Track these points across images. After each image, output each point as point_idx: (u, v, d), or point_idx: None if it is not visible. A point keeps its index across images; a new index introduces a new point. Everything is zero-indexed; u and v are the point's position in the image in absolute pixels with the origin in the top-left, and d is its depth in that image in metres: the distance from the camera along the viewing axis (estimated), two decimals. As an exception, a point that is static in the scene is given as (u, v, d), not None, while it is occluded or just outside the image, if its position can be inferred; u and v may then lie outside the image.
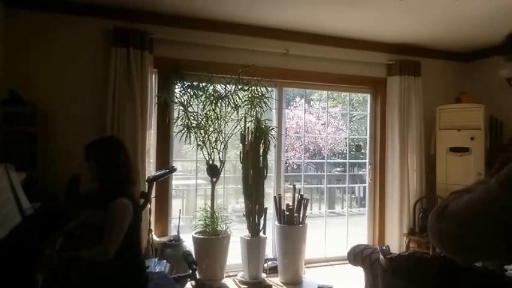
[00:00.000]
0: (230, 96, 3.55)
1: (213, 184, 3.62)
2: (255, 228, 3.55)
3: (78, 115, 3.33)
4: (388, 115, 4.42)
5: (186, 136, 3.48)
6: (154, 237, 3.37)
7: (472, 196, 0.72)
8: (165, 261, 2.87)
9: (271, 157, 4.02)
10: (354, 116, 7.64)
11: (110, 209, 1.93)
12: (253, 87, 3.60)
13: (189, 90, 3.54)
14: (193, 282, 3.01)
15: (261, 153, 3.55)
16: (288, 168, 7.32)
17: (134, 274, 2.05)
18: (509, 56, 0.79)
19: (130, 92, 3.33)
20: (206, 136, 3.53)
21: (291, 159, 7.98)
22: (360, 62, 4.29)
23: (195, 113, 3.54)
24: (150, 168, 3.53)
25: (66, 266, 1.82)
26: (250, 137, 3.54)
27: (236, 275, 3.63)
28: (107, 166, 2.06)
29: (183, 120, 3.49)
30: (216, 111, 3.53)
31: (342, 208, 7.34)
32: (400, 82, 4.33)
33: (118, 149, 2.14)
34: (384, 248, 2.34)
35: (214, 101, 3.51)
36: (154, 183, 3.21)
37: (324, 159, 5.32)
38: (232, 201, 5.61)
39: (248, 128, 3.57)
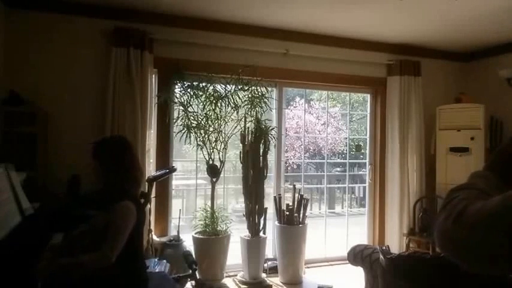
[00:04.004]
0: (230, 96, 3.55)
1: (213, 184, 3.62)
2: (255, 228, 3.55)
3: (78, 115, 3.33)
4: (388, 115, 4.42)
5: (186, 136, 3.48)
6: (154, 237, 3.38)
7: (493, 205, 0.65)
8: (165, 261, 2.87)
9: (271, 157, 4.02)
10: (354, 116, 7.64)
11: (113, 212, 1.88)
12: (253, 87, 3.60)
13: (189, 90, 3.54)
14: (193, 282, 3.01)
15: (261, 153, 3.55)
16: (288, 168, 7.31)
17: (134, 276, 2.03)
18: None
19: (130, 92, 3.33)
20: (206, 136, 3.53)
21: (291, 159, 7.98)
22: (360, 62, 4.29)
23: (195, 113, 3.54)
24: (150, 168, 3.53)
25: (65, 271, 1.79)
26: (250, 137, 3.54)
27: (236, 275, 3.63)
28: (111, 167, 2.02)
29: (183, 120, 3.49)
30: (216, 111, 3.53)
31: (342, 208, 7.34)
32: (400, 82, 4.33)
33: (124, 150, 2.09)
34: (384, 248, 2.34)
35: (214, 101, 3.51)
36: (154, 183, 3.21)
37: (324, 159, 5.32)
38: (232, 201, 5.60)
39: (248, 128, 3.57)
